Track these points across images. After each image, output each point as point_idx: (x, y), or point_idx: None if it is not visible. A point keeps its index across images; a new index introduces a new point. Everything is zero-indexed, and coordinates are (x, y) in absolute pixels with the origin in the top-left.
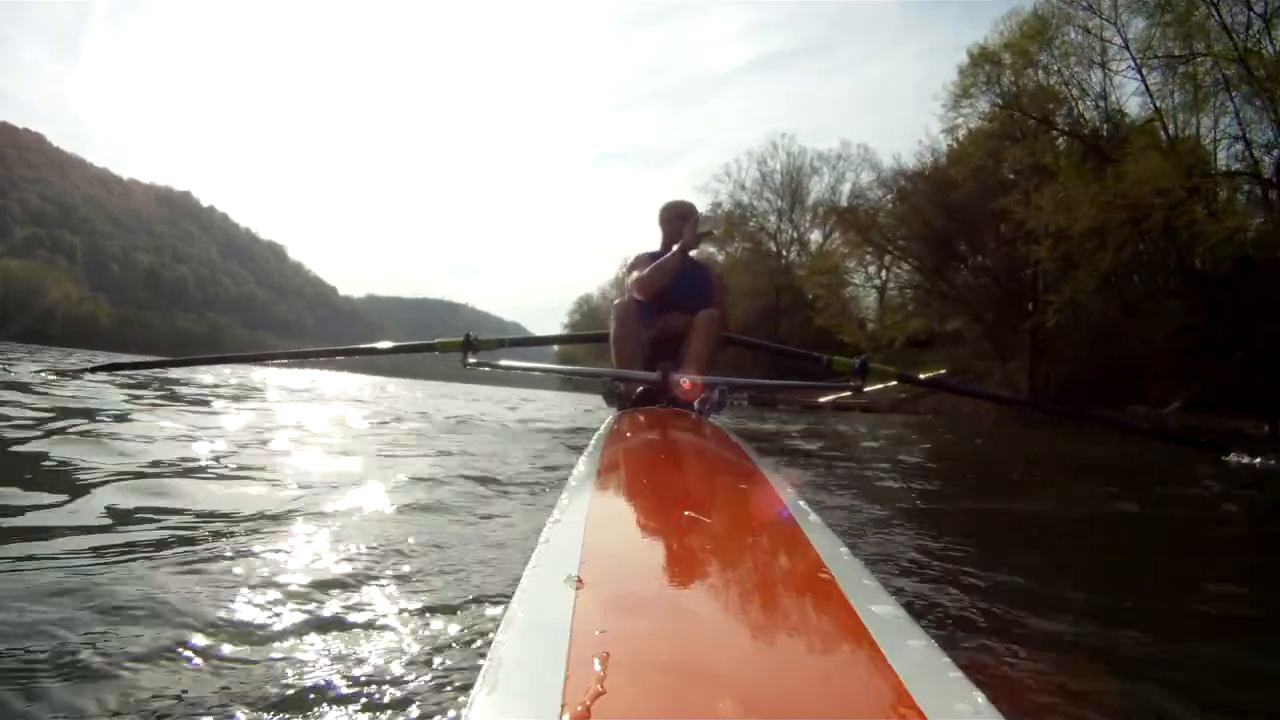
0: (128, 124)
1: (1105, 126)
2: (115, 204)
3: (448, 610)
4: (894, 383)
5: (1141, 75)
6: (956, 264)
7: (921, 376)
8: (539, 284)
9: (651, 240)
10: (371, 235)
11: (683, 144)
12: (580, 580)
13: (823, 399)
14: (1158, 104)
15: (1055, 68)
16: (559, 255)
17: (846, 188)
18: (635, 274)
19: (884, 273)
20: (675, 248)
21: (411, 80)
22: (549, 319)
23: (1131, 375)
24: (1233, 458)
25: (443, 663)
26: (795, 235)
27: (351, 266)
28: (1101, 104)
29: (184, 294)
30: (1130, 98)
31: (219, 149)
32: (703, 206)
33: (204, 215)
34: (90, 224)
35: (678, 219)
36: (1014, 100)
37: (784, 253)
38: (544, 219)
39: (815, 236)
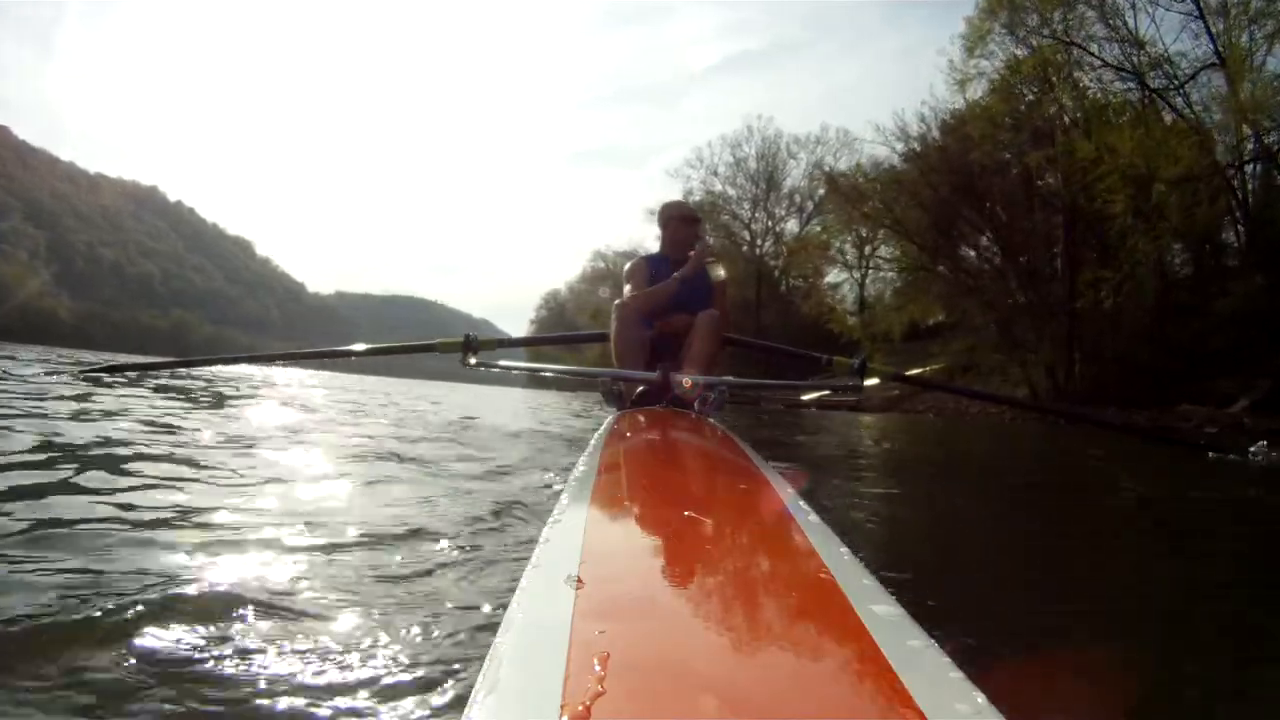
0: (97, 119)
1: (1154, 73)
2: (82, 199)
3: (448, 610)
4: (890, 380)
5: (1200, 9)
6: (963, 241)
7: (911, 373)
8: (512, 281)
9: (620, 237)
10: (341, 232)
11: (657, 143)
12: (580, 580)
13: (805, 397)
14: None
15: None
16: (532, 253)
17: None
18: (629, 286)
19: (865, 262)
20: (675, 275)
21: (383, 76)
22: (520, 316)
23: (1168, 372)
24: (1246, 456)
25: (443, 663)
26: (770, 225)
27: (321, 263)
28: (1136, 51)
29: (150, 289)
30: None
31: (187, 144)
32: (674, 195)
33: (171, 210)
34: (55, 219)
35: (677, 220)
36: (1049, 40)
37: (759, 243)
38: (517, 216)
39: (792, 226)
